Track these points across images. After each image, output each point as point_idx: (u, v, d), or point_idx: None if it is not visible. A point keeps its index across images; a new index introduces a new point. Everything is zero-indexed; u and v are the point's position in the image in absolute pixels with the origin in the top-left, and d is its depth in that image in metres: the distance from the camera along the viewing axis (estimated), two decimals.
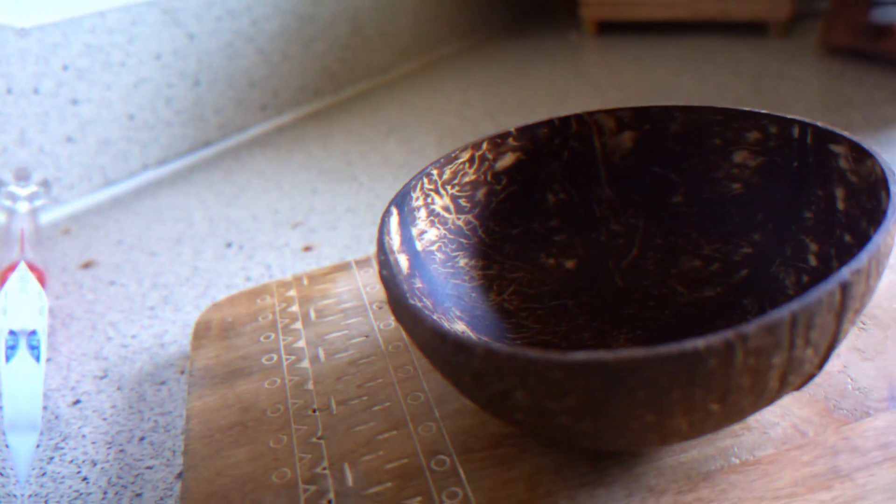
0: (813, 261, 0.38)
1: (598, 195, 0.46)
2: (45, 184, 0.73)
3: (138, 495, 0.40)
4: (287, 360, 0.44)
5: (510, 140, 0.44)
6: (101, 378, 0.50)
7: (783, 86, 0.91)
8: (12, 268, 0.57)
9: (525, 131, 0.45)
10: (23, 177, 0.72)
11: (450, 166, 0.43)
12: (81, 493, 0.40)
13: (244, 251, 0.67)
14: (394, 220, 0.38)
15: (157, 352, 0.53)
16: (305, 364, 0.43)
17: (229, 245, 0.69)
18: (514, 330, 0.41)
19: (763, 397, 0.27)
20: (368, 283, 0.50)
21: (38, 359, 0.45)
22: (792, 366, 0.26)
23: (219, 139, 0.98)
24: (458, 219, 0.43)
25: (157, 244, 0.71)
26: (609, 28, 1.37)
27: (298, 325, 0.47)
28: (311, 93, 1.08)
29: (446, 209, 0.43)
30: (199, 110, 0.94)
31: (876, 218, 0.32)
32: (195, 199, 0.82)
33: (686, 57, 1.11)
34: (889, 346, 0.38)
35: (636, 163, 0.45)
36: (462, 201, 0.43)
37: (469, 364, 0.27)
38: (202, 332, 0.48)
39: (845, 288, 0.26)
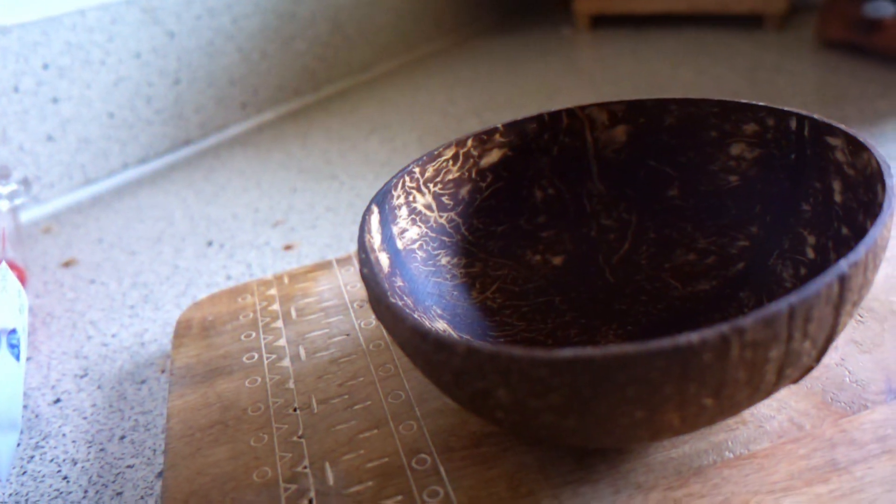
0: (810, 253, 0.38)
1: (588, 190, 0.46)
2: (25, 182, 0.72)
3: (119, 494, 0.40)
4: (268, 358, 0.44)
5: (496, 136, 0.44)
6: (82, 377, 0.50)
7: (779, 79, 0.92)
8: None
9: (513, 127, 0.45)
10: (3, 175, 0.71)
11: (432, 164, 0.43)
12: (62, 492, 0.40)
13: (225, 250, 0.67)
14: (374, 219, 0.38)
15: (137, 350, 0.53)
16: (286, 363, 0.43)
17: (210, 244, 0.69)
18: (497, 328, 0.41)
19: (759, 391, 0.27)
20: (349, 282, 0.50)
21: (17, 357, 0.45)
22: (789, 359, 0.26)
23: (199, 138, 0.97)
24: (441, 217, 0.43)
25: (138, 243, 0.71)
26: (602, 22, 1.37)
27: (279, 323, 0.47)
28: (291, 91, 1.08)
29: (428, 207, 0.43)
30: (179, 109, 0.94)
31: (872, 211, 0.32)
32: (175, 197, 0.81)
33: (681, 50, 1.11)
34: (886, 339, 0.38)
35: (630, 157, 0.45)
36: (445, 199, 0.43)
37: (450, 363, 0.27)
38: (183, 331, 0.48)
39: (844, 280, 0.26)
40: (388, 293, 0.35)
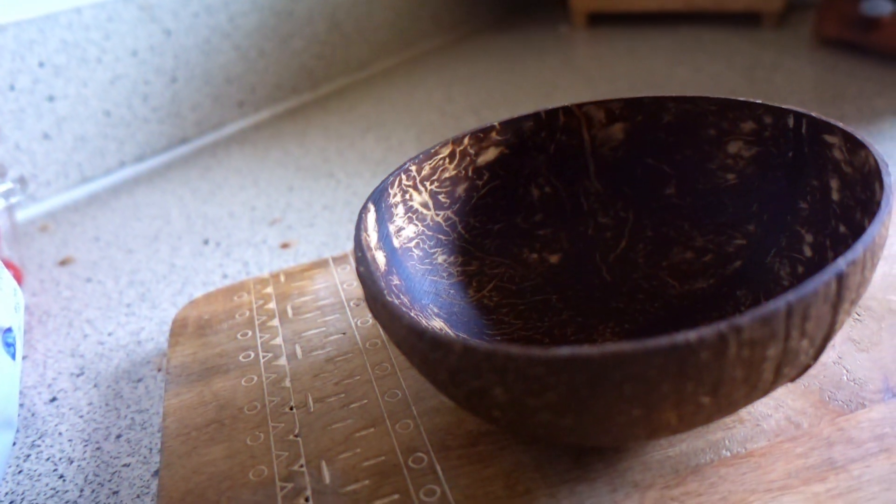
0: (808, 251, 0.38)
1: (585, 188, 0.46)
2: (22, 180, 0.72)
3: (115, 493, 0.40)
4: (264, 357, 0.44)
5: (493, 134, 0.44)
6: (78, 375, 0.50)
7: (777, 77, 0.92)
8: None
9: (509, 125, 0.45)
10: None
11: (429, 162, 0.42)
12: (58, 491, 0.40)
13: (221, 248, 0.67)
14: (371, 217, 0.38)
15: (133, 349, 0.53)
16: (283, 361, 0.43)
17: (206, 242, 0.69)
18: (493, 326, 0.41)
19: (757, 389, 0.27)
20: (346, 280, 0.50)
21: (13, 356, 0.45)
22: (787, 357, 0.26)
23: (196, 136, 0.97)
24: (437, 215, 0.43)
25: (135, 241, 0.71)
26: (600, 20, 1.37)
27: (276, 322, 0.47)
28: (289, 90, 1.08)
29: (425, 205, 0.42)
30: (176, 107, 0.94)
31: (870, 209, 0.32)
32: (172, 196, 0.81)
33: (679, 48, 1.11)
34: (884, 338, 0.38)
35: (627, 155, 0.45)
36: (441, 197, 0.43)
37: (446, 361, 0.27)
38: (179, 330, 0.47)
39: (841, 279, 0.26)
40: (385, 291, 0.35)
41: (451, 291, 0.42)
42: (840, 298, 0.26)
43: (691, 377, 0.25)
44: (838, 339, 0.39)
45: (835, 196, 0.36)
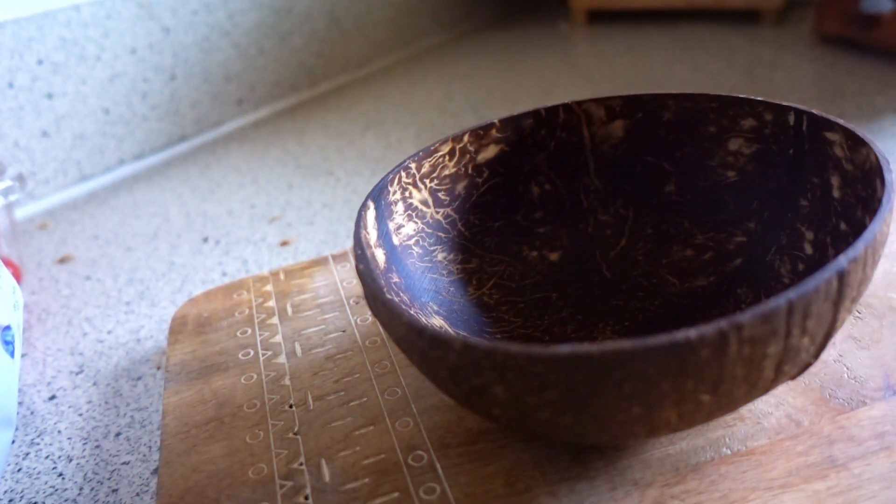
0: (808, 249, 0.38)
1: (585, 186, 0.46)
2: (20, 178, 0.72)
3: (114, 491, 0.40)
4: (264, 355, 0.44)
5: (493, 131, 0.44)
6: (77, 373, 0.50)
7: (776, 75, 0.91)
8: None
9: (509, 122, 0.44)
10: None
11: (429, 159, 0.42)
12: (57, 489, 0.40)
13: (220, 246, 0.67)
14: (370, 215, 0.38)
15: (133, 347, 0.53)
16: (282, 359, 0.43)
17: (206, 240, 0.68)
18: (493, 324, 0.41)
19: (757, 387, 0.27)
20: (345, 278, 0.50)
21: (12, 354, 0.45)
22: (788, 355, 0.26)
23: (195, 134, 0.97)
24: (437, 212, 0.43)
25: (134, 239, 0.71)
26: (599, 17, 1.37)
27: (275, 320, 0.47)
28: (288, 87, 1.08)
29: (424, 203, 0.42)
30: (175, 105, 0.94)
31: (871, 206, 0.32)
32: (171, 194, 0.81)
33: (678, 46, 1.11)
34: (885, 335, 0.38)
35: (627, 152, 0.45)
36: (441, 195, 0.43)
37: (446, 359, 0.27)
38: (178, 328, 0.47)
39: (842, 276, 0.26)
40: (385, 289, 0.35)
41: (451, 289, 0.42)
42: (841, 296, 0.26)
43: (691, 375, 0.25)
44: (839, 337, 0.39)
45: (836, 193, 0.36)
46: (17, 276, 0.60)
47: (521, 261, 0.45)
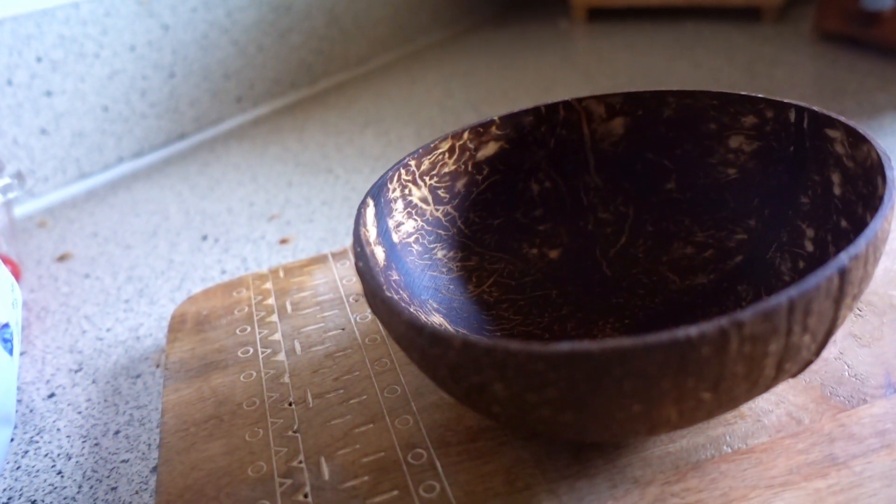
0: (809, 246, 0.38)
1: (585, 183, 0.46)
2: (19, 176, 0.72)
3: (113, 489, 0.40)
4: (263, 353, 0.44)
5: (493, 129, 0.44)
6: (76, 371, 0.50)
7: (777, 72, 0.91)
8: None
9: (509, 119, 0.44)
10: None
11: (428, 157, 0.42)
12: (56, 487, 0.40)
13: (220, 244, 0.67)
14: (370, 212, 0.38)
15: (132, 345, 0.52)
16: (281, 357, 0.43)
17: (205, 238, 0.68)
18: (493, 322, 0.41)
19: (758, 385, 0.27)
20: (345, 276, 0.50)
21: (10, 352, 0.45)
22: (789, 353, 0.26)
23: (194, 132, 0.97)
24: (437, 210, 0.43)
25: (133, 237, 0.70)
26: (599, 15, 1.37)
27: (274, 317, 0.47)
28: (287, 85, 1.08)
29: (424, 200, 0.42)
30: (175, 102, 0.94)
31: (872, 203, 0.32)
32: (171, 191, 0.81)
33: (678, 43, 1.11)
34: (885, 333, 0.38)
35: (627, 149, 0.45)
36: (441, 192, 0.43)
37: (446, 356, 0.27)
38: (177, 326, 0.47)
39: (844, 274, 0.26)
40: (384, 287, 0.35)
41: (451, 287, 0.42)
42: (842, 293, 0.26)
43: (692, 373, 0.25)
44: (839, 335, 0.39)
45: (836, 191, 0.36)
46: (16, 273, 0.60)
47: (521, 258, 0.45)
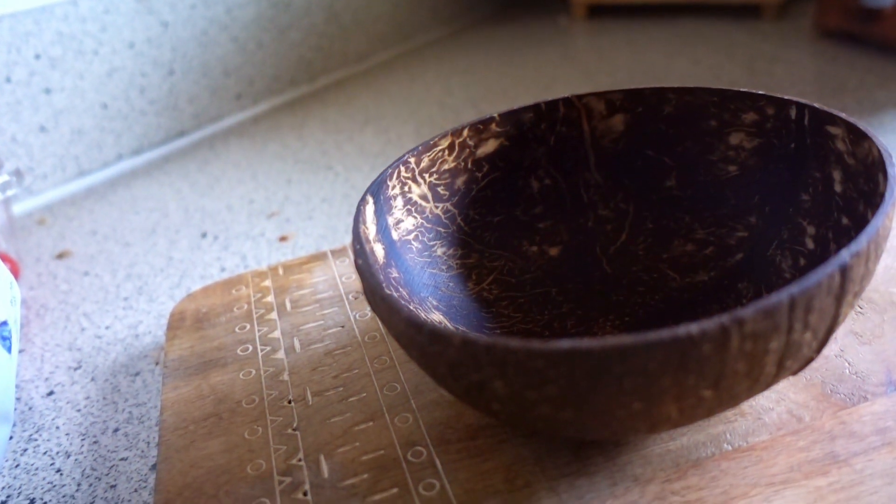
0: (810, 243, 0.37)
1: (585, 180, 0.46)
2: (18, 173, 0.72)
3: (112, 487, 0.39)
4: (262, 350, 0.43)
5: (493, 126, 0.44)
6: (75, 369, 0.50)
7: (777, 69, 0.91)
8: None
9: (509, 116, 0.44)
10: None
11: (428, 154, 0.42)
12: (55, 485, 0.40)
13: (219, 241, 0.67)
14: (369, 209, 0.38)
15: (131, 342, 0.52)
16: (281, 355, 0.43)
17: (204, 235, 0.68)
18: (493, 319, 0.41)
19: (759, 383, 0.27)
20: (344, 273, 0.50)
21: (9, 350, 0.45)
22: (790, 350, 0.26)
23: (193, 129, 0.97)
24: (436, 207, 0.43)
25: (132, 235, 0.70)
26: (599, 11, 1.37)
27: (274, 315, 0.47)
28: (287, 82, 1.08)
29: (424, 197, 0.42)
30: (174, 99, 0.93)
31: (873, 200, 0.32)
32: (170, 189, 0.81)
33: (678, 40, 1.11)
34: (886, 330, 0.38)
35: (627, 146, 0.45)
36: (440, 189, 0.43)
37: (445, 354, 0.27)
38: (177, 323, 0.47)
39: (845, 271, 0.26)
40: (384, 284, 0.35)
41: (451, 284, 0.41)
42: (844, 291, 0.26)
43: (693, 370, 0.24)
44: (840, 332, 0.38)
45: (837, 188, 0.36)
46: (15, 271, 0.60)
47: (521, 256, 0.45)
